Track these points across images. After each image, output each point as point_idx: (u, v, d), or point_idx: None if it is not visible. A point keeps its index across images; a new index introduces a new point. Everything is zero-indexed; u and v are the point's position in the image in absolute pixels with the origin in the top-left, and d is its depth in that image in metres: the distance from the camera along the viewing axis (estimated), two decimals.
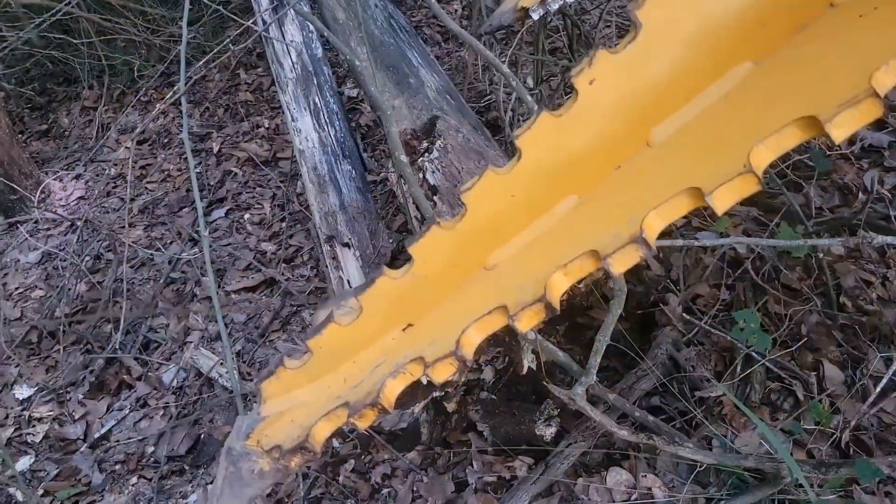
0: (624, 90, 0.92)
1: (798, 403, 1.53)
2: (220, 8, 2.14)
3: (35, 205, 2.99)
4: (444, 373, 0.89)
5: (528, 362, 1.60)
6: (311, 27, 2.26)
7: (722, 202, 0.75)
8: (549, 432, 1.56)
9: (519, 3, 1.81)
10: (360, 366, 1.04)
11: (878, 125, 2.28)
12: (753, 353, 1.55)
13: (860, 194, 2.02)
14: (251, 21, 2.24)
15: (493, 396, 1.64)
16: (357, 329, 1.01)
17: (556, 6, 1.76)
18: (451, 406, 1.66)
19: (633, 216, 0.79)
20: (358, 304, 1.00)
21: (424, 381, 0.91)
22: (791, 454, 1.42)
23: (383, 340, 1.05)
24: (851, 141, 2.27)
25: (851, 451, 1.44)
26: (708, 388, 1.54)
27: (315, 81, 2.19)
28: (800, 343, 1.62)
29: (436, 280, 1.02)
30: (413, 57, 2.07)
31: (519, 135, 0.93)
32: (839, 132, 0.70)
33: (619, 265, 0.79)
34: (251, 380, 2.06)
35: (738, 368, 1.56)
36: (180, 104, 3.46)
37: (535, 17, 1.79)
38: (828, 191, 2.05)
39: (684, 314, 1.69)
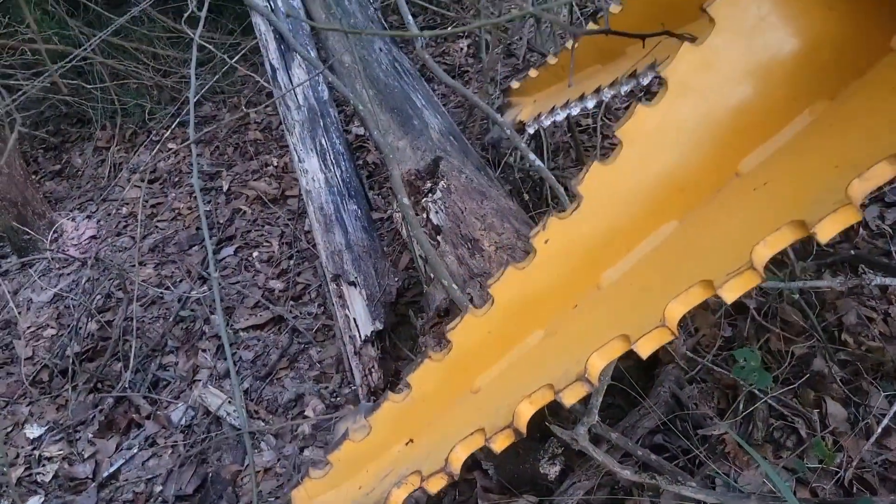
0: (573, 246, 1.13)
1: (801, 441, 1.54)
2: (227, 59, 2.19)
3: (48, 245, 3.04)
4: (436, 485, 1.05)
5: None
6: (316, 62, 2.31)
7: (644, 350, 0.91)
8: (553, 471, 1.56)
9: (517, 118, 1.90)
10: (371, 475, 1.21)
11: None
12: (756, 391, 1.56)
13: (861, 230, 2.04)
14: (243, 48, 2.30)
15: None
16: (368, 444, 1.21)
17: (547, 123, 1.84)
18: None
19: (580, 356, 0.95)
20: (368, 423, 1.20)
21: (428, 491, 1.06)
22: (794, 493, 1.42)
23: (390, 453, 1.23)
24: None
25: (855, 489, 1.44)
26: (711, 426, 1.54)
27: (321, 123, 2.24)
28: (801, 380, 1.63)
29: (431, 402, 1.22)
30: (417, 99, 2.11)
31: (490, 284, 1.15)
32: (728, 295, 0.85)
33: (569, 399, 0.96)
34: (259, 418, 2.07)
35: (741, 406, 1.56)
36: (186, 143, 3.52)
37: (531, 131, 1.86)
38: None
39: (687, 352, 1.70)
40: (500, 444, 1.02)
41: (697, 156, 1.08)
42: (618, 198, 1.10)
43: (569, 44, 2.18)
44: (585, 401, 1.47)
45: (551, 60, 2.19)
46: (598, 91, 1.72)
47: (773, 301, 1.80)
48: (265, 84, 2.31)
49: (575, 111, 1.78)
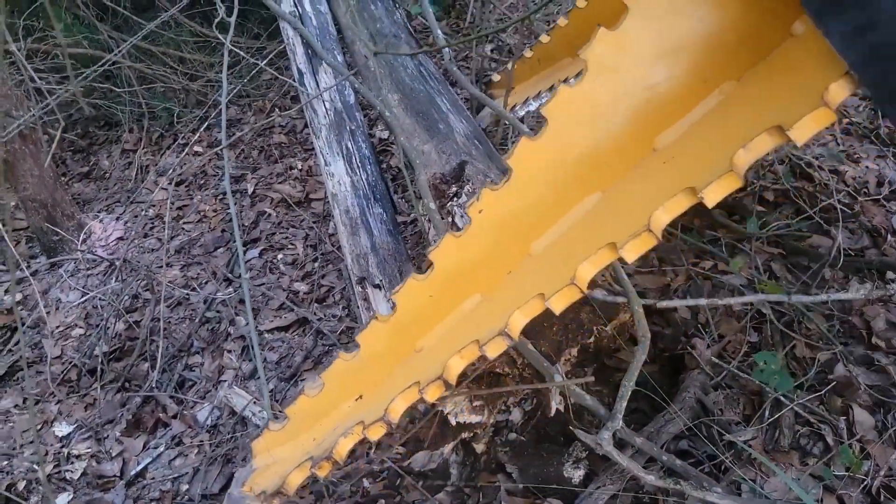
0: (505, 216, 1.23)
1: (828, 448, 1.53)
2: (257, 62, 2.21)
3: (76, 246, 3.09)
4: (376, 433, 1.18)
5: (556, 404, 1.62)
6: (344, 73, 2.33)
7: (556, 306, 1.04)
8: (577, 475, 1.57)
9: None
10: (324, 428, 1.34)
11: None
12: (781, 398, 1.56)
13: (889, 236, 2.03)
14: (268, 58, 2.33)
15: (522, 438, 1.66)
16: (321, 400, 1.33)
17: (522, 112, 1.89)
18: (479, 447, 1.68)
19: (505, 314, 1.08)
20: (321, 381, 1.31)
21: (369, 438, 1.19)
22: (822, 500, 1.42)
23: (341, 408, 1.36)
24: (880, 183, 2.29)
25: (882, 497, 1.43)
26: (736, 431, 1.54)
27: (347, 127, 2.26)
28: (828, 387, 1.62)
29: (378, 361, 1.33)
30: (442, 103, 2.12)
31: (430, 251, 1.24)
32: (628, 255, 0.98)
33: (491, 352, 1.09)
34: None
35: (767, 412, 1.56)
36: (215, 146, 3.56)
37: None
38: (856, 233, 2.06)
39: (713, 358, 1.70)
40: (431, 395, 1.14)
41: (616, 132, 1.16)
42: (545, 171, 1.19)
43: (543, 38, 2.22)
44: (610, 405, 1.48)
45: (527, 54, 2.23)
46: (566, 81, 1.77)
47: (795, 310, 1.79)
48: (295, 86, 2.33)
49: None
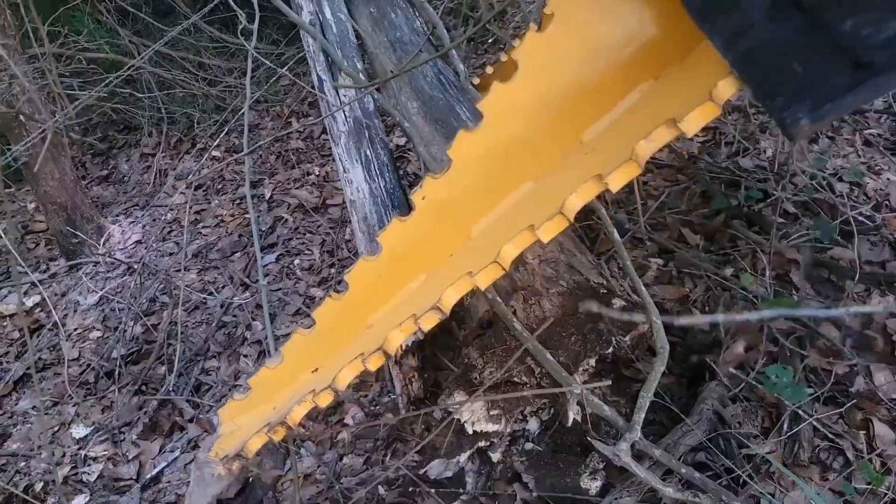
0: (446, 202, 1.32)
1: (848, 463, 1.52)
2: (278, 68, 2.22)
3: (95, 248, 3.11)
4: (325, 399, 1.24)
5: (573, 414, 1.62)
6: (364, 81, 2.34)
7: (481, 282, 1.11)
8: (594, 486, 1.56)
9: None
10: (284, 397, 1.41)
11: None
12: (800, 411, 1.54)
13: None
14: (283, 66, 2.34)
15: (539, 448, 1.66)
16: (280, 371, 1.40)
17: None
18: (496, 456, 1.68)
19: (440, 291, 1.14)
20: (281, 353, 1.39)
21: (318, 405, 1.24)
22: None
23: (299, 379, 1.43)
24: None
25: None
26: (755, 444, 1.53)
27: (366, 134, 2.26)
28: (850, 401, 1.61)
29: (332, 336, 1.41)
30: (461, 111, 2.12)
31: (379, 234, 1.34)
32: (544, 236, 1.04)
33: (425, 324, 1.14)
34: (300, 425, 2.10)
35: (786, 426, 1.55)
36: (233, 151, 3.58)
37: None
38: (877, 245, 2.04)
39: (731, 369, 1.69)
40: (372, 364, 1.19)
41: (546, 126, 1.28)
42: (482, 161, 1.30)
43: (516, 42, 2.23)
44: (627, 416, 1.47)
45: (503, 58, 2.25)
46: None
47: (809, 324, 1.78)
48: (313, 92, 2.34)
49: None
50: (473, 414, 1.63)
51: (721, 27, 0.94)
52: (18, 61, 2.54)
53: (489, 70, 2.33)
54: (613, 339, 1.60)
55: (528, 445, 1.68)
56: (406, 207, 2.20)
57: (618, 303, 1.63)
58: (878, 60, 0.82)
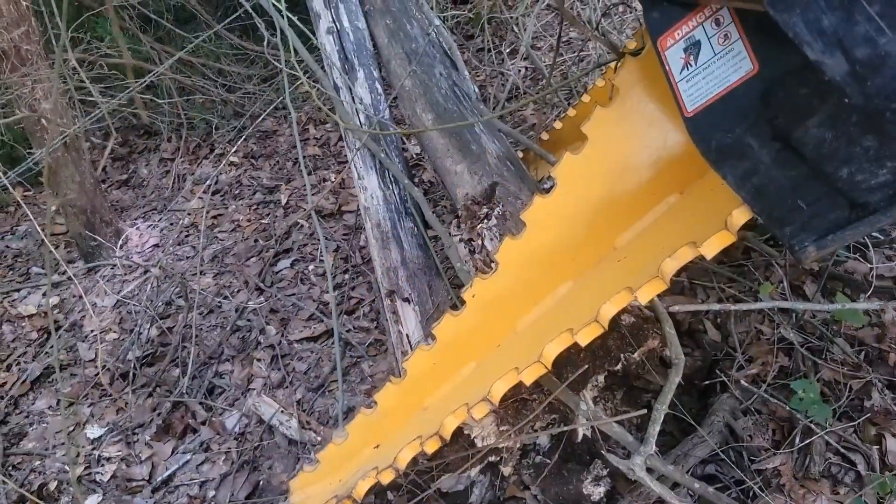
0: (493, 299, 1.50)
1: (860, 477, 1.51)
2: (305, 79, 2.24)
3: (113, 251, 3.15)
4: (387, 477, 1.41)
5: (583, 430, 1.62)
6: (380, 90, 2.35)
7: (526, 379, 1.27)
8: (597, 492, 1.56)
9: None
10: (348, 471, 1.60)
11: None
12: (812, 425, 1.54)
13: None
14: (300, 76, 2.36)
15: (548, 460, 1.66)
16: (345, 447, 1.61)
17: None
18: (507, 469, 1.68)
19: (490, 382, 1.29)
20: (346, 431, 1.60)
21: (381, 482, 1.42)
22: None
23: (361, 455, 1.63)
24: None
25: None
26: (765, 457, 1.52)
27: (381, 140, 2.28)
28: (863, 416, 1.60)
29: (392, 416, 1.60)
30: (475, 124, 2.13)
31: (433, 326, 1.54)
32: (581, 340, 1.20)
33: (477, 413, 1.30)
34: (310, 429, 2.11)
35: (798, 439, 1.54)
36: (251, 157, 3.61)
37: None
38: (893, 259, 2.02)
39: (742, 381, 1.68)
40: (430, 448, 1.36)
41: (583, 234, 1.46)
42: (526, 263, 1.49)
43: (585, 98, 2.26)
44: (639, 426, 1.47)
45: (570, 113, 2.28)
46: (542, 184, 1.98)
47: (823, 336, 1.77)
48: (331, 99, 2.36)
49: None
50: (484, 429, 1.65)
51: (733, 169, 1.08)
52: (42, 66, 2.58)
53: (544, 136, 2.38)
54: (623, 355, 1.60)
55: (538, 459, 1.68)
56: (420, 215, 2.22)
57: (627, 318, 1.63)
58: (873, 201, 0.97)
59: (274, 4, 2.13)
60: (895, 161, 0.94)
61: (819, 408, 1.48)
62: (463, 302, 1.52)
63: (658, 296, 1.56)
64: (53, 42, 2.76)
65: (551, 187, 1.42)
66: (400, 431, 1.58)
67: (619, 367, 1.60)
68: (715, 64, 1.11)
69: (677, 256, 1.13)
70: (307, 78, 2.33)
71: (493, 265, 1.49)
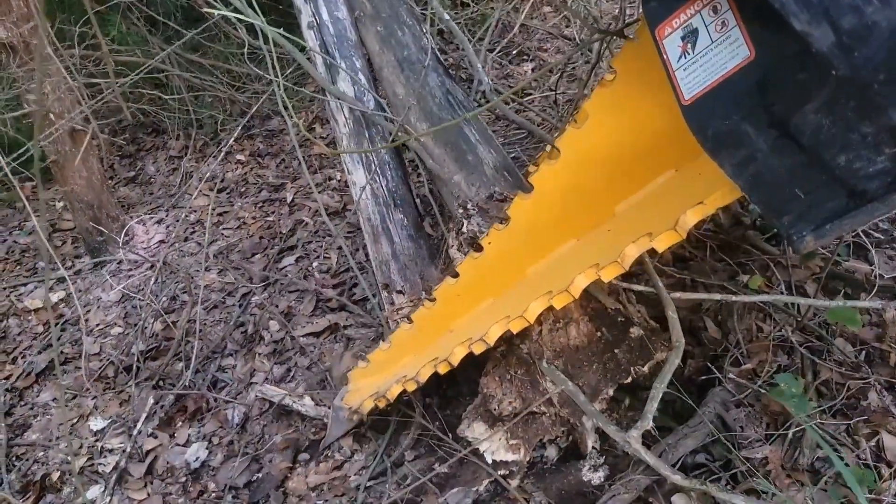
0: (506, 248, 1.72)
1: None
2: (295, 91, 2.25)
3: (119, 246, 3.17)
4: (411, 386, 1.73)
5: (591, 442, 1.63)
6: (363, 80, 2.33)
7: (515, 326, 1.51)
8: (596, 476, 1.59)
9: None
10: (388, 374, 1.95)
11: None
12: (802, 420, 1.54)
13: None
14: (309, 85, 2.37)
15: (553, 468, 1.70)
16: (390, 353, 1.92)
17: None
18: (514, 483, 1.69)
19: (490, 323, 1.55)
20: (390, 340, 1.90)
21: (407, 389, 1.76)
22: None
23: (401, 361, 1.94)
24: None
25: None
26: (755, 447, 1.54)
27: (366, 135, 2.27)
28: (856, 413, 1.61)
29: (425, 333, 1.88)
30: (471, 134, 2.10)
31: (458, 265, 1.78)
32: (556, 303, 1.44)
33: (476, 349, 1.57)
34: (324, 405, 2.12)
35: (790, 433, 1.55)
36: (257, 155, 3.63)
37: None
38: (893, 259, 2.03)
39: (736, 377, 1.69)
40: (442, 369, 1.64)
41: (586, 199, 1.61)
42: (534, 221, 1.67)
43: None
44: (640, 408, 1.49)
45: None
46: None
47: (823, 335, 1.78)
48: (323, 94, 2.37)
49: None
50: (493, 444, 1.67)
51: (730, 158, 1.10)
52: (50, 59, 2.61)
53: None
54: (632, 368, 1.62)
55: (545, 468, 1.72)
56: (411, 205, 2.24)
57: (635, 331, 1.65)
58: (871, 189, 0.98)
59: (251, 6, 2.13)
60: (893, 148, 0.94)
61: (799, 401, 1.50)
62: (481, 248, 1.72)
63: (663, 283, 1.60)
64: (56, 41, 2.79)
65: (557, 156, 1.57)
66: (428, 349, 1.86)
67: (629, 380, 1.62)
68: (712, 51, 1.12)
69: (638, 244, 1.29)
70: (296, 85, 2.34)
71: (504, 222, 1.69)
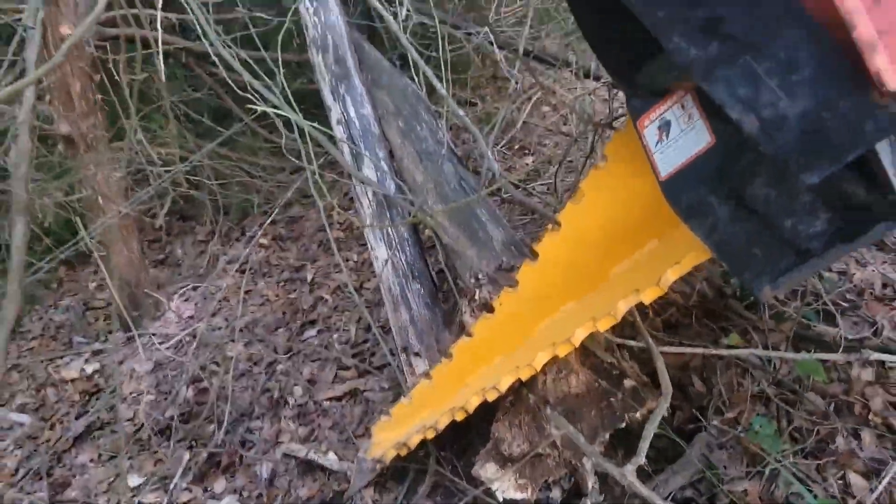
0: (515, 308, 1.93)
1: None
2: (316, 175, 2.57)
3: (152, 322, 3.42)
4: (430, 433, 1.93)
5: (591, 482, 1.84)
6: (385, 167, 2.66)
7: (523, 375, 1.74)
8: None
9: None
10: (408, 425, 2.10)
11: None
12: (775, 460, 1.76)
13: (889, 330, 2.24)
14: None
15: None
16: (409, 406, 2.12)
17: None
18: None
19: (498, 376, 1.77)
20: (410, 396, 2.09)
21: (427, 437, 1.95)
22: None
23: (420, 414, 2.10)
24: (885, 285, 2.51)
25: None
26: (735, 483, 1.75)
27: (388, 215, 2.58)
28: (826, 454, 1.82)
29: (441, 388, 2.06)
30: (481, 214, 2.40)
31: (473, 326, 2.01)
32: (560, 352, 1.67)
33: (490, 396, 1.79)
34: (346, 459, 2.32)
35: (767, 471, 1.76)
36: (279, 239, 3.92)
37: None
38: (858, 324, 2.27)
39: (719, 424, 1.91)
40: (459, 416, 1.85)
41: (585, 264, 1.83)
42: (539, 283, 1.90)
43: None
44: (633, 444, 1.70)
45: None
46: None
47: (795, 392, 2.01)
48: (349, 187, 2.67)
49: None
50: (504, 483, 1.87)
51: (700, 224, 1.34)
52: (105, 151, 2.93)
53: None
54: (626, 414, 1.84)
55: None
56: (427, 277, 2.50)
57: (628, 382, 1.88)
58: (813, 247, 1.20)
59: (290, 103, 2.47)
60: (826, 213, 1.21)
61: (772, 440, 1.72)
62: (493, 309, 1.94)
63: (653, 339, 1.85)
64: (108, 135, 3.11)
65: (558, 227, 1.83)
66: (445, 401, 2.01)
67: (623, 424, 1.84)
68: (682, 138, 1.40)
69: (628, 300, 1.52)
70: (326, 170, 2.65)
71: (513, 286, 1.92)
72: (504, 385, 1.75)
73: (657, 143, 1.47)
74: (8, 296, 1.82)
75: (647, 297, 1.50)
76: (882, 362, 2.12)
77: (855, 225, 1.21)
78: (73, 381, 3.28)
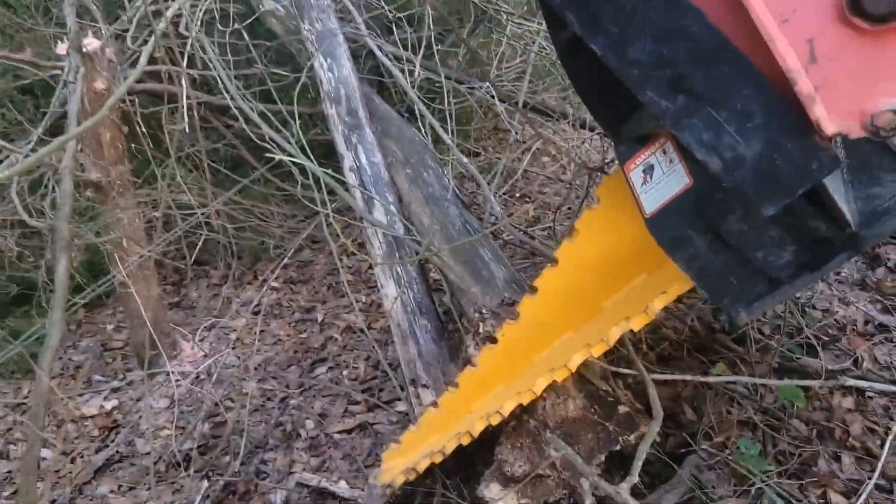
0: (515, 341, 2.05)
1: None
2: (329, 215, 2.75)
3: (168, 361, 3.56)
4: (437, 458, 2.03)
5: (589, 502, 1.97)
6: (394, 211, 2.84)
7: (524, 400, 1.90)
8: None
9: None
10: (417, 451, 2.17)
11: (886, 308, 2.69)
12: (759, 481, 1.89)
13: (868, 363, 2.39)
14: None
15: None
16: (417, 433, 2.18)
17: None
18: None
19: (501, 402, 1.91)
20: (419, 423, 2.18)
21: (434, 462, 2.05)
22: None
23: (428, 441, 2.17)
24: (866, 322, 2.67)
25: None
26: (724, 500, 1.87)
27: (397, 255, 2.75)
28: (808, 475, 1.95)
29: (448, 416, 2.14)
30: (485, 253, 2.57)
31: (476, 356, 2.12)
32: (558, 377, 1.83)
33: (493, 420, 1.91)
34: (357, 486, 2.44)
35: (753, 489, 1.89)
36: (290, 282, 4.08)
37: None
38: (840, 357, 2.42)
39: (709, 448, 2.05)
40: (465, 440, 1.97)
41: (580, 297, 1.95)
42: (538, 316, 2.01)
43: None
44: (628, 466, 1.84)
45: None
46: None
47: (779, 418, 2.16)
48: (361, 230, 2.85)
49: None
50: (506, 502, 2.01)
51: (681, 256, 1.49)
52: (131, 196, 3.12)
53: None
54: (620, 438, 1.98)
55: None
56: (433, 314, 2.66)
57: (622, 408, 2.03)
58: (782, 276, 1.37)
59: (305, 152, 2.67)
60: (792, 245, 1.38)
61: (756, 461, 1.86)
62: (496, 340, 2.04)
63: (644, 367, 2.00)
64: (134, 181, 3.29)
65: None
66: (451, 427, 2.11)
67: (618, 447, 1.98)
68: (664, 180, 1.57)
69: (620, 327, 1.69)
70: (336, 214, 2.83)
71: (516, 316, 2.03)
72: (507, 409, 1.89)
73: (642, 184, 1.64)
74: (52, 322, 1.98)
75: (636, 324, 1.67)
76: (861, 391, 2.28)
77: (819, 256, 1.39)
78: (92, 417, 3.41)
